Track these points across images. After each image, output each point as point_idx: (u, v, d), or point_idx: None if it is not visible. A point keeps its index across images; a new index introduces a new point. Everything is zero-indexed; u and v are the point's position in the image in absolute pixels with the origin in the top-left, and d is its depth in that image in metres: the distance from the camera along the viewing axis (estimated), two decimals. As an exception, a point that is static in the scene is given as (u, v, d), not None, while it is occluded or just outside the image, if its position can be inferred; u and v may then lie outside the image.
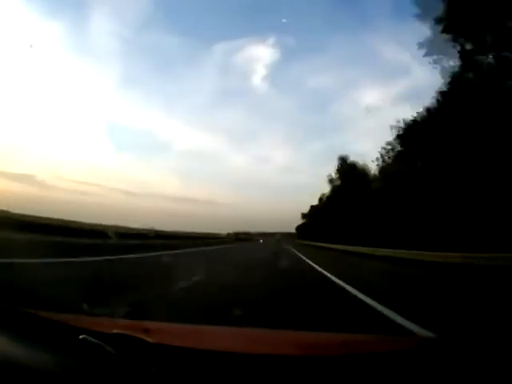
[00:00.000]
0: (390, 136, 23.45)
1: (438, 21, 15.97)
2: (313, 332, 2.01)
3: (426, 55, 18.27)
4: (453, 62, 16.06)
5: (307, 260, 14.67)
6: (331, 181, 40.00)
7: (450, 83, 16.44)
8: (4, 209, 15.68)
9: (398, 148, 23.03)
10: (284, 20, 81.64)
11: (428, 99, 21.78)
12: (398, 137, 22.40)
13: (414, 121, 20.41)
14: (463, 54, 15.44)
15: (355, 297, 5.23)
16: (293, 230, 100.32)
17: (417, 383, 0.84)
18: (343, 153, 42.87)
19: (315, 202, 52.20)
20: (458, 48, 15.48)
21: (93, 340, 0.86)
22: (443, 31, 15.66)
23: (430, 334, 2.88)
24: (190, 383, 0.84)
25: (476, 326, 3.21)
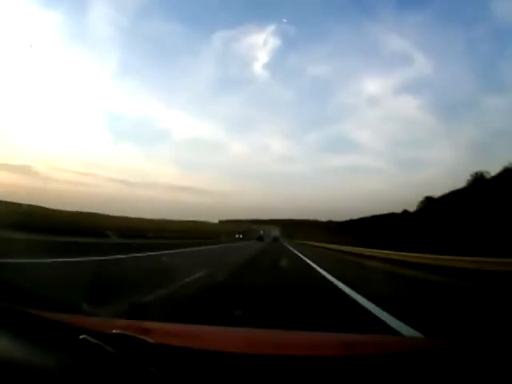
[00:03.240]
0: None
1: None
2: (313, 332, 2.00)
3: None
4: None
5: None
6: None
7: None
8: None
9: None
10: (284, 20, 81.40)
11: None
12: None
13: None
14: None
15: None
16: (294, 217, 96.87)
17: None
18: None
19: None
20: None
21: (93, 340, 0.86)
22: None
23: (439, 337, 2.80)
24: (190, 383, 0.84)
25: (479, 328, 3.18)
